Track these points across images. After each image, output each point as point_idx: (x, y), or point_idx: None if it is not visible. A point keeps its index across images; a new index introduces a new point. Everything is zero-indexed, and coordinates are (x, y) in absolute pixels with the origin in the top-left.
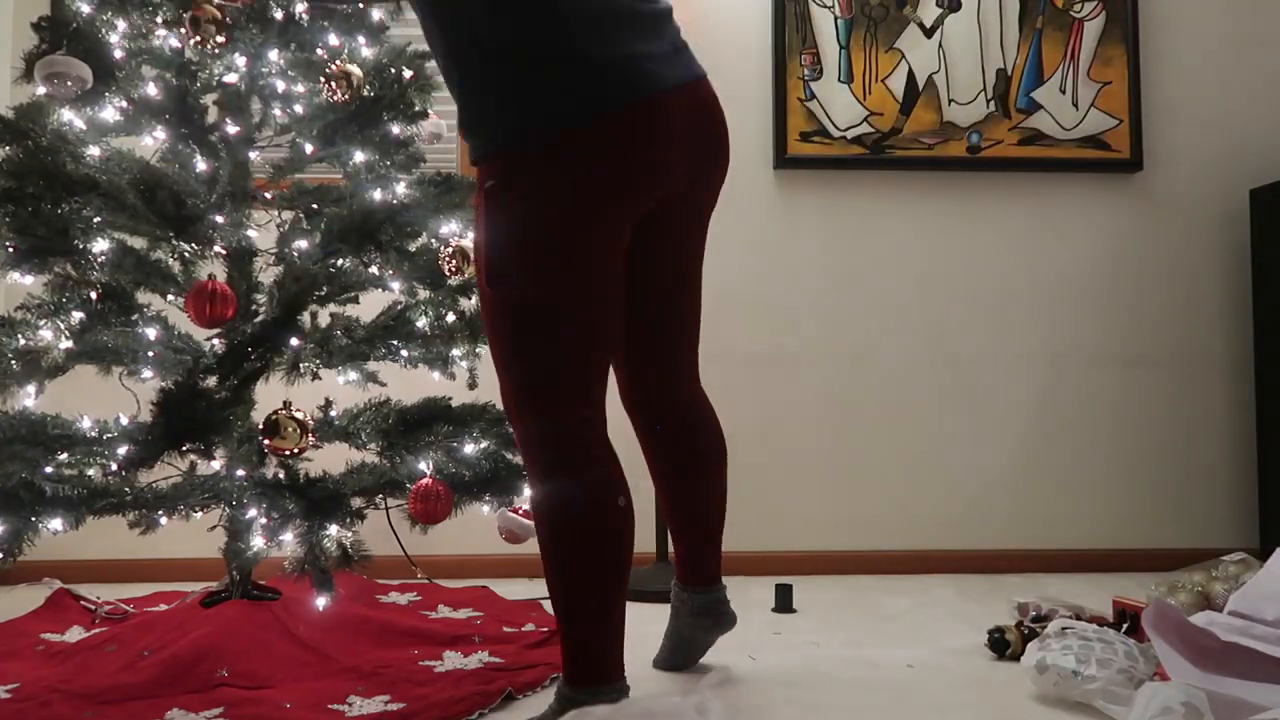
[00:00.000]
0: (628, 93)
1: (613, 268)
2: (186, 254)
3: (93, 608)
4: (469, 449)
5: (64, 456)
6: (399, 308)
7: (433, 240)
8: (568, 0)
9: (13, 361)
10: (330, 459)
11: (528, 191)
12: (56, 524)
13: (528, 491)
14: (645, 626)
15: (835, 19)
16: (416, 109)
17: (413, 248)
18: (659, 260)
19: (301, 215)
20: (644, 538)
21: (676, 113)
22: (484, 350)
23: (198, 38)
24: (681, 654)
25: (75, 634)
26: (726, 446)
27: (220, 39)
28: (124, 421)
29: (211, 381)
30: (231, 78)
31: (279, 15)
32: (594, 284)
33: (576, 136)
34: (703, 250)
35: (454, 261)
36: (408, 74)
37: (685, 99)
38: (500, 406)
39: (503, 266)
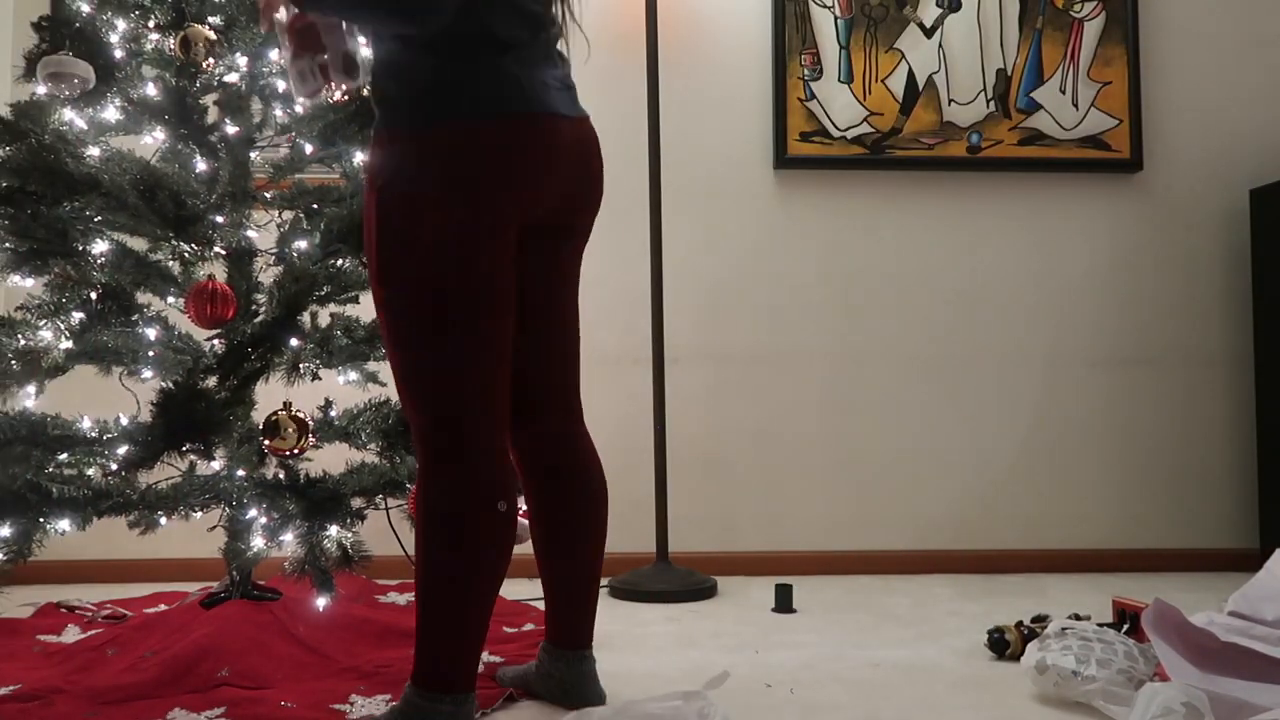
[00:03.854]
0: (530, 105)
1: (503, 272)
2: (186, 254)
3: (88, 615)
4: None
5: (64, 456)
6: None
7: None
8: (488, 14)
9: (13, 361)
10: (330, 459)
11: (412, 187)
12: (64, 525)
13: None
14: (646, 627)
15: (835, 19)
16: None
17: None
18: (533, 283)
19: (301, 215)
20: (645, 537)
21: (563, 137)
22: None
23: (184, 58)
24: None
25: (72, 634)
26: (606, 507)
27: (209, 61)
28: (124, 421)
29: (211, 382)
30: (232, 78)
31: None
32: (489, 283)
33: (470, 129)
34: (577, 285)
35: None
36: None
37: (572, 129)
38: None
39: (394, 264)
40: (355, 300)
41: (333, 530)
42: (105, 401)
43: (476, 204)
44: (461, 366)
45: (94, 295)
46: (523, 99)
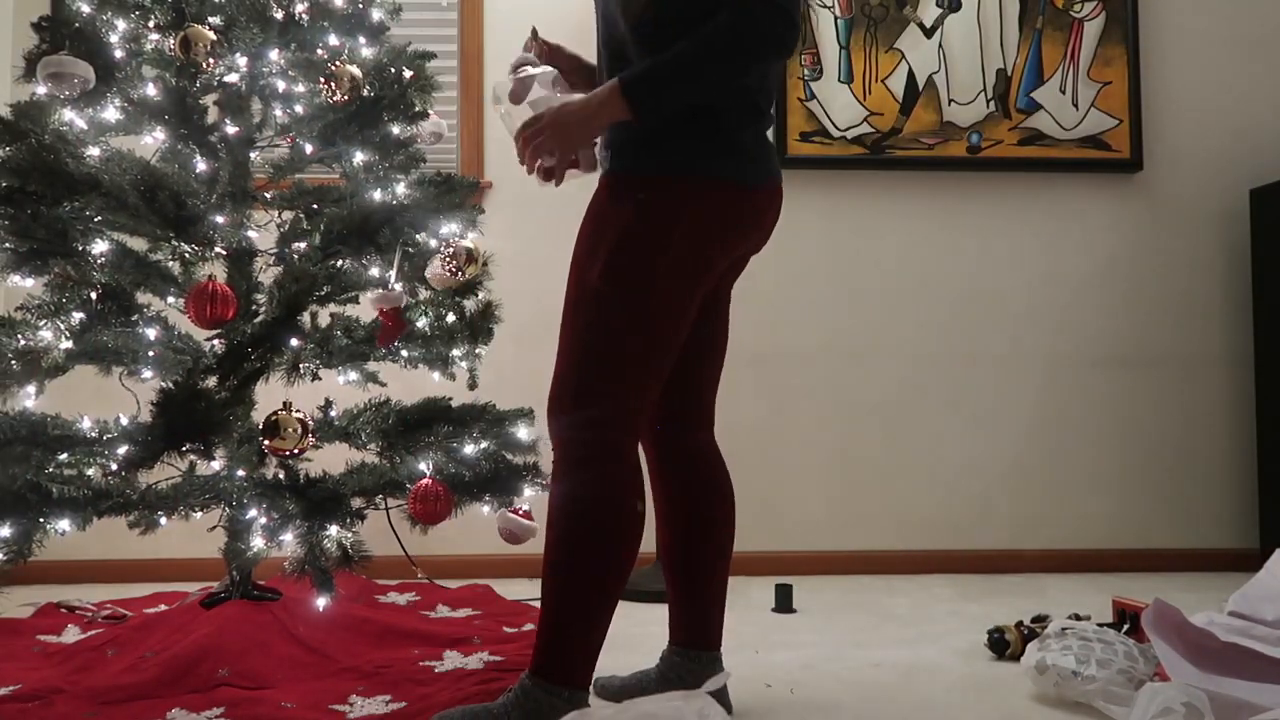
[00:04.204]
0: (775, 174)
1: (697, 304)
2: (186, 254)
3: (88, 615)
4: (469, 449)
5: (64, 456)
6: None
7: (432, 240)
8: (757, 83)
9: (13, 361)
10: (330, 459)
11: (676, 216)
12: (64, 525)
13: (528, 491)
14: (645, 627)
15: (835, 19)
16: (416, 109)
17: (413, 248)
18: (705, 303)
19: (301, 215)
20: (645, 537)
21: (780, 198)
22: (484, 350)
23: (184, 58)
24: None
25: (72, 634)
26: (734, 511)
27: (209, 61)
28: (124, 421)
29: (211, 382)
30: (232, 78)
31: (279, 15)
32: (688, 309)
33: (734, 191)
34: (729, 305)
35: (454, 263)
36: (408, 74)
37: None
38: (500, 407)
39: (628, 267)
40: (355, 300)
41: (333, 530)
42: (105, 401)
43: (721, 249)
44: (645, 378)
45: (94, 295)
46: (772, 169)
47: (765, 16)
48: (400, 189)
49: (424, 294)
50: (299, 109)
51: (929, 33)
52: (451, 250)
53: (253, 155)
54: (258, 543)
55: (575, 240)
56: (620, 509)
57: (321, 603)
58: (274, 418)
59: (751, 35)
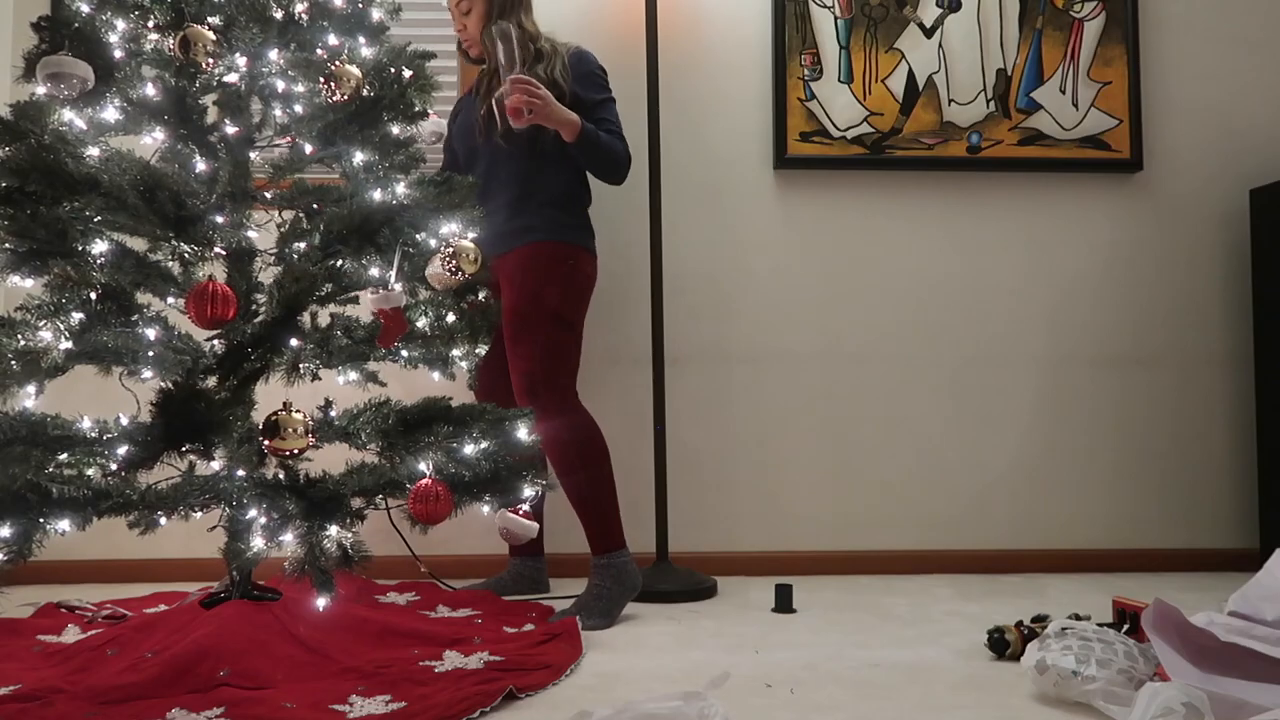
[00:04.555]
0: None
1: None
2: (186, 255)
3: (88, 615)
4: (469, 449)
5: (64, 456)
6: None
7: (432, 240)
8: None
9: (13, 361)
10: (330, 459)
11: (587, 272)
12: (64, 525)
13: (528, 491)
14: (645, 627)
15: (835, 19)
16: (416, 109)
17: (413, 248)
18: None
19: (301, 215)
20: (645, 537)
21: None
22: (484, 350)
23: (184, 58)
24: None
25: (72, 634)
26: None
27: (209, 61)
28: (124, 421)
29: (211, 382)
30: (231, 78)
31: (279, 15)
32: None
33: (594, 257)
34: None
35: (454, 263)
36: (408, 74)
37: None
38: (500, 407)
39: (568, 305)
40: (355, 300)
41: (333, 530)
42: (105, 401)
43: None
44: (577, 357)
45: (94, 295)
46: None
47: (629, 159)
48: (400, 189)
49: (424, 294)
50: (299, 109)
51: (929, 33)
52: (451, 250)
53: (253, 155)
54: (258, 543)
55: (519, 277)
56: (598, 430)
57: (321, 603)
58: (274, 418)
59: (627, 163)
